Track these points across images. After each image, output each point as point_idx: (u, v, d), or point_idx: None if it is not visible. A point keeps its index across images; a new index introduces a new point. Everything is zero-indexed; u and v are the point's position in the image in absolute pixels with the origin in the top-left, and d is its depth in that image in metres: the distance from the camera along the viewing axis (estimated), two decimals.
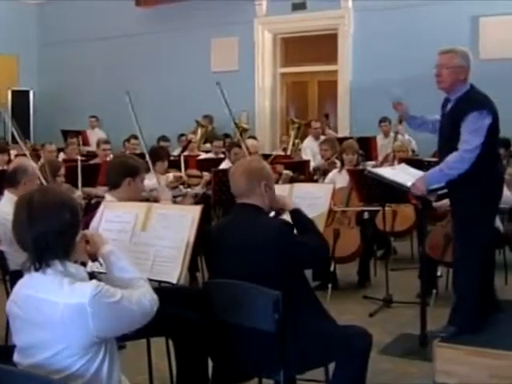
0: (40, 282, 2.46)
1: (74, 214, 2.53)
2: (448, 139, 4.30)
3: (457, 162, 4.20)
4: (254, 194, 3.42)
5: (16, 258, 4.60)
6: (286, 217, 3.65)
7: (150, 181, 5.74)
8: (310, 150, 10.04)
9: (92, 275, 2.69)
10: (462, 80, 4.29)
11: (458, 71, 4.27)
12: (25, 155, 6.17)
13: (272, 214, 3.55)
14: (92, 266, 3.01)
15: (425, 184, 4.36)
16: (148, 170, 5.68)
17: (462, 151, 4.18)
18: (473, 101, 4.21)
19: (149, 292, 2.62)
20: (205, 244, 3.54)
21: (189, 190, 6.69)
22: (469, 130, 4.15)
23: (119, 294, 2.48)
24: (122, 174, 4.19)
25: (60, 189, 2.69)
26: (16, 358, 2.55)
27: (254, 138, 10.72)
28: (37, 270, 2.46)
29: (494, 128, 4.21)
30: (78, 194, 5.75)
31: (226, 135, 11.64)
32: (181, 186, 6.75)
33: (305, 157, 9.74)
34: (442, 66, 4.32)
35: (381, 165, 8.04)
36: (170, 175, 6.82)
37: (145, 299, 2.55)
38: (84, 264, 2.76)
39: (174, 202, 6.08)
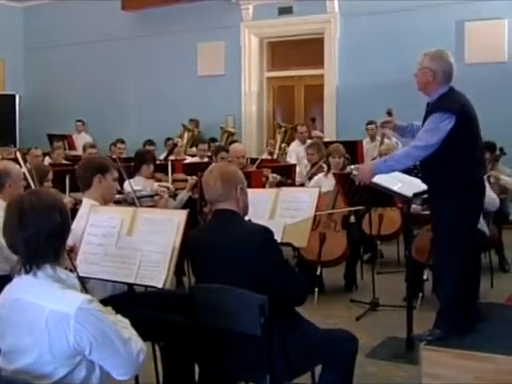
0: (29, 285, 2.45)
1: (64, 215, 2.53)
2: None
3: (402, 157, 4.24)
4: (230, 199, 3.42)
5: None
6: (265, 222, 3.66)
7: (135, 185, 5.76)
8: (296, 155, 10.01)
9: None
10: (433, 82, 4.25)
11: (425, 73, 4.26)
12: (11, 159, 6.12)
13: (246, 218, 3.54)
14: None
15: (371, 172, 4.38)
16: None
17: (411, 146, 4.19)
18: (441, 103, 4.21)
19: (139, 340, 2.54)
20: (187, 250, 3.54)
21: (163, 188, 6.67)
22: (426, 128, 4.15)
23: (110, 320, 2.44)
24: (91, 172, 4.20)
25: (50, 191, 2.71)
26: (1, 363, 2.53)
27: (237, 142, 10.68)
28: (27, 272, 2.45)
29: (467, 133, 4.17)
30: (69, 199, 5.71)
31: (213, 139, 11.64)
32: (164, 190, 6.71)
33: (290, 161, 9.73)
34: (419, 68, 4.36)
35: None
36: (155, 185, 6.81)
37: (134, 344, 2.48)
38: (72, 271, 2.76)
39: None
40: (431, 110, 4.23)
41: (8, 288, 2.54)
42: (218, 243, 3.32)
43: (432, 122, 4.14)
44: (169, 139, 11.82)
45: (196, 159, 9.88)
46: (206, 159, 9.86)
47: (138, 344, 2.50)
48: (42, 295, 2.40)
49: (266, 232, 3.31)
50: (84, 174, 4.26)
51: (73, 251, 2.91)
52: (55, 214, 2.48)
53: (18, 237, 2.45)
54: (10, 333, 2.48)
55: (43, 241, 2.43)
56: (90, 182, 4.19)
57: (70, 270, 2.72)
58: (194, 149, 11.63)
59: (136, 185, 6.29)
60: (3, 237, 2.54)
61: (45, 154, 9.79)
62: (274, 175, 7.33)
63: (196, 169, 7.79)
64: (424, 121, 4.35)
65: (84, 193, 4.28)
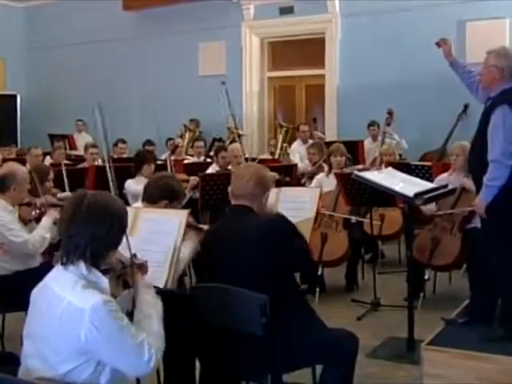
0: (58, 275, 2.52)
1: (116, 226, 2.56)
2: (479, 138, 4.33)
3: (492, 173, 4.19)
4: (255, 201, 3.45)
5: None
6: None
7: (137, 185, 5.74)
8: (299, 154, 10.04)
9: None
10: (499, 79, 4.31)
11: (492, 71, 4.34)
12: (13, 160, 6.13)
13: None
14: None
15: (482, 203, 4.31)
16: None
17: (492, 161, 4.17)
18: (505, 96, 4.23)
19: (157, 347, 2.55)
20: (204, 246, 3.58)
21: None
22: (492, 124, 4.17)
23: (124, 322, 2.46)
24: (163, 194, 4.14)
25: (114, 198, 2.71)
26: (25, 347, 2.57)
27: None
28: (63, 264, 2.51)
29: None
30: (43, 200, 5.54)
31: (219, 139, 11.63)
32: None
33: (293, 160, 9.74)
34: (483, 66, 4.44)
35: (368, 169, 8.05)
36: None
37: (147, 350, 2.48)
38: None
39: None
40: (494, 103, 4.25)
41: (48, 274, 2.61)
42: (230, 236, 3.36)
43: (497, 115, 4.16)
44: (170, 139, 11.83)
45: (195, 158, 9.90)
46: (202, 157, 9.87)
47: (151, 350, 2.50)
48: (66, 287, 2.45)
49: (276, 220, 3.36)
50: (155, 191, 4.20)
51: (143, 268, 2.93)
52: (106, 221, 2.52)
53: (65, 229, 2.53)
54: (32, 317, 2.56)
55: (84, 242, 2.48)
56: (157, 201, 4.12)
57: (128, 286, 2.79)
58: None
59: (137, 184, 6.31)
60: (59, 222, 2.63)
61: (46, 154, 9.79)
62: (273, 174, 7.32)
63: (197, 169, 7.81)
64: (484, 113, 4.38)
65: (144, 201, 4.24)
